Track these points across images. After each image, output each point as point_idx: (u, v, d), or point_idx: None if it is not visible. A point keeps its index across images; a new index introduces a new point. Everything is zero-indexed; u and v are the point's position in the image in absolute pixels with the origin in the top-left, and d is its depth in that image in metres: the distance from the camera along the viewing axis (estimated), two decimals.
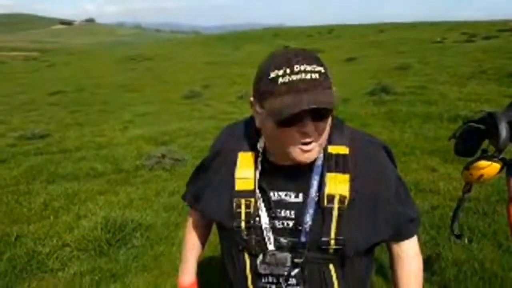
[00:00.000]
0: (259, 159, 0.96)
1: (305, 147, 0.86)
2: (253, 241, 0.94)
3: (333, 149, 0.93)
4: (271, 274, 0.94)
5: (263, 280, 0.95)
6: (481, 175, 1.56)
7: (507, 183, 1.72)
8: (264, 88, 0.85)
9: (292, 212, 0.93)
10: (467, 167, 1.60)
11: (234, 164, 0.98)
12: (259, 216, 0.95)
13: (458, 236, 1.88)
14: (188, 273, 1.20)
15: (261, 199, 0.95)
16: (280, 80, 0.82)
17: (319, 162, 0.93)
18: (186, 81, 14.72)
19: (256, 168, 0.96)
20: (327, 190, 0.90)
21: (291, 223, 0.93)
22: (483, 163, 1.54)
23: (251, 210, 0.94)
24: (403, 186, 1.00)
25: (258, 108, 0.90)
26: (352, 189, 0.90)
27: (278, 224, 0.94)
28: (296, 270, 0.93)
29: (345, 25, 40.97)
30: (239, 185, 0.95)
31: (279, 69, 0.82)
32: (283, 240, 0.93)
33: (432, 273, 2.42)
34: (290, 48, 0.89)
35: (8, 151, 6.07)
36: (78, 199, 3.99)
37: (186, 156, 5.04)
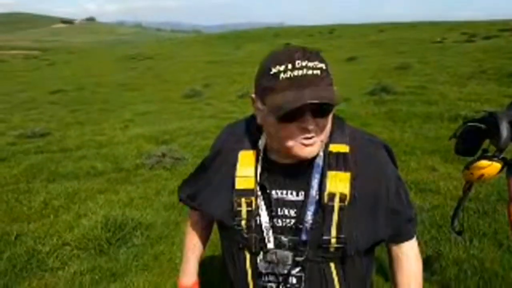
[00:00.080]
0: (260, 157, 0.96)
1: (306, 141, 0.86)
2: (253, 239, 0.94)
3: (333, 148, 0.93)
4: (272, 273, 0.94)
5: (263, 279, 0.95)
6: (482, 175, 1.56)
7: (508, 183, 1.72)
8: (265, 84, 0.85)
9: (293, 210, 0.93)
10: (467, 167, 1.60)
11: (234, 163, 0.97)
12: (259, 214, 0.95)
13: (459, 233, 1.88)
14: (189, 273, 1.20)
15: (262, 198, 0.95)
16: (282, 75, 0.82)
17: (320, 161, 0.93)
18: (187, 80, 14.72)
19: (257, 166, 0.96)
20: (328, 188, 0.90)
21: (292, 222, 0.93)
22: (483, 162, 1.53)
23: (252, 208, 0.94)
24: (403, 186, 1.00)
25: (259, 105, 0.90)
26: (353, 187, 0.90)
27: (278, 222, 0.94)
28: (297, 269, 0.93)
29: (345, 25, 40.96)
30: (239, 184, 0.95)
31: (280, 65, 0.82)
32: (284, 238, 0.93)
33: (433, 273, 2.42)
34: (292, 45, 0.89)
35: (8, 149, 6.07)
36: (78, 198, 3.99)
37: (186, 155, 5.04)
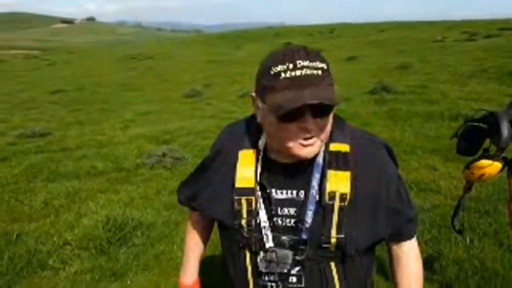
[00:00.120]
0: (260, 157, 0.96)
1: (305, 142, 0.86)
2: (253, 239, 0.94)
3: (334, 147, 0.93)
4: (272, 272, 0.93)
5: (263, 278, 0.95)
6: (483, 174, 1.56)
7: (508, 182, 1.72)
8: (266, 83, 0.85)
9: (293, 209, 0.93)
10: (468, 166, 1.60)
11: (235, 162, 0.97)
12: (259, 214, 0.95)
13: (459, 232, 1.88)
14: (189, 273, 1.20)
15: (261, 197, 0.95)
16: (282, 75, 0.82)
17: (320, 160, 0.93)
18: (187, 80, 14.72)
19: (257, 166, 0.96)
20: (328, 188, 0.90)
21: (292, 221, 0.93)
22: (484, 162, 1.53)
23: (252, 208, 0.94)
24: (404, 185, 1.00)
25: (259, 104, 0.90)
26: (353, 187, 0.90)
27: (279, 221, 0.94)
28: (297, 268, 0.93)
29: (346, 24, 40.93)
30: (240, 183, 0.95)
31: (281, 65, 0.82)
32: (284, 237, 0.93)
33: (433, 272, 2.42)
34: (293, 45, 0.89)
35: (9, 149, 6.07)
36: (78, 197, 4.00)
37: (186, 155, 5.04)
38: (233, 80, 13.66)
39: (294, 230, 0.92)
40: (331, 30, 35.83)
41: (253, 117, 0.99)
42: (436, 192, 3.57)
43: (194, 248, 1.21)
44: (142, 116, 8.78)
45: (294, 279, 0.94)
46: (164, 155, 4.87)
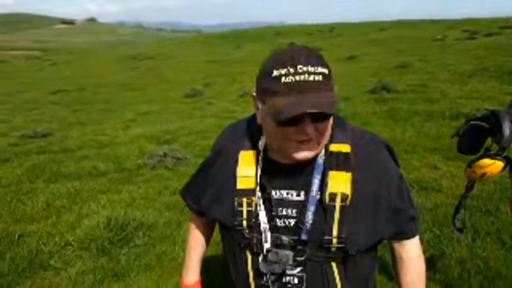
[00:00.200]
0: (261, 157, 0.96)
1: (304, 145, 0.86)
2: (254, 239, 0.94)
3: (335, 147, 0.93)
4: (273, 273, 0.93)
5: (264, 279, 0.95)
6: (484, 173, 1.55)
7: (510, 181, 1.71)
8: (266, 86, 0.85)
9: (294, 210, 0.93)
10: (470, 165, 1.59)
11: (235, 163, 0.97)
12: (259, 214, 0.95)
13: (460, 230, 1.87)
14: (191, 272, 1.20)
15: (261, 198, 0.95)
16: (283, 79, 0.81)
17: (321, 160, 0.92)
18: (187, 80, 14.74)
19: (257, 166, 0.96)
20: (329, 188, 0.90)
21: (292, 222, 0.93)
22: (486, 161, 1.53)
23: (253, 208, 0.94)
24: (405, 184, 1.00)
25: (259, 104, 0.90)
26: (354, 187, 0.90)
27: (279, 222, 0.94)
28: (298, 269, 0.93)
29: (346, 24, 40.91)
30: (240, 184, 0.95)
31: (282, 68, 0.82)
32: (285, 238, 0.93)
33: (436, 272, 2.42)
34: (295, 46, 0.89)
35: (11, 150, 6.08)
36: (80, 198, 4.00)
37: (188, 155, 5.04)
38: (233, 80, 13.67)
39: (295, 230, 0.92)
40: (331, 29, 35.82)
41: (254, 117, 0.99)
42: (437, 191, 3.56)
43: (195, 248, 1.21)
44: (142, 116, 8.79)
45: (296, 280, 0.94)
46: (165, 155, 4.88)
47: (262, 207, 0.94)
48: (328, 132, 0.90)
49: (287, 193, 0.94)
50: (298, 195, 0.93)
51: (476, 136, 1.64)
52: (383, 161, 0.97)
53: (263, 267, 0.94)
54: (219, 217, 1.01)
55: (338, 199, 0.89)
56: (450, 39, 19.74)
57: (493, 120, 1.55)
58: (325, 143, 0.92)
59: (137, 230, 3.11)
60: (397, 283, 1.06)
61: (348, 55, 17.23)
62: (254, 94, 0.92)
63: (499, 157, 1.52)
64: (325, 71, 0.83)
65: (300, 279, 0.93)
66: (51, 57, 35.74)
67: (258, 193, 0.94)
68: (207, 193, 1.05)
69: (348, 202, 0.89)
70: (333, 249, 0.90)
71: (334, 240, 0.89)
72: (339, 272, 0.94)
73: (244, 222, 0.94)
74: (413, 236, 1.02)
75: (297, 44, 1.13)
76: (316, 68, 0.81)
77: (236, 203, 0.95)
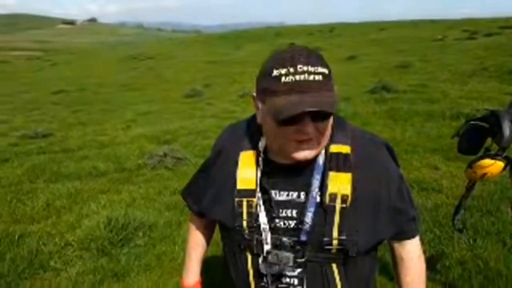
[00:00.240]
0: (261, 158, 0.96)
1: (304, 145, 0.86)
2: (254, 240, 0.94)
3: (335, 148, 0.93)
4: (273, 274, 0.93)
5: (265, 280, 0.95)
6: (485, 174, 1.55)
7: (510, 181, 1.71)
8: (266, 86, 0.85)
9: (294, 211, 0.93)
10: (470, 165, 1.59)
11: (235, 163, 0.97)
12: (259, 216, 0.94)
13: (460, 230, 1.87)
14: (191, 273, 1.20)
15: (262, 199, 0.94)
16: (283, 79, 0.81)
17: (321, 161, 0.92)
18: (188, 80, 14.74)
19: (257, 167, 0.95)
20: (329, 189, 0.89)
21: (293, 223, 0.93)
22: (486, 161, 1.53)
23: (253, 209, 0.94)
24: (405, 185, 1.00)
25: (259, 104, 0.90)
26: (354, 188, 0.90)
27: (280, 223, 0.94)
28: (298, 270, 0.92)
29: (346, 24, 40.91)
30: (241, 185, 0.95)
31: (282, 68, 0.82)
32: (285, 239, 0.93)
33: (436, 272, 2.41)
34: (295, 46, 0.89)
35: (11, 150, 6.09)
36: (80, 198, 4.00)
37: (188, 155, 5.05)
38: (233, 80, 13.67)
39: (295, 231, 0.92)
40: (331, 29, 35.81)
41: (254, 117, 0.99)
42: (437, 191, 3.56)
43: (195, 248, 1.21)
44: (143, 116, 8.80)
45: (296, 281, 0.93)
46: (165, 155, 4.88)
47: (262, 208, 0.94)
48: (328, 132, 0.90)
49: (287, 194, 0.94)
50: (298, 196, 0.93)
51: (476, 136, 1.65)
52: (383, 161, 0.97)
53: (263, 268, 0.93)
54: (219, 218, 1.01)
55: (338, 200, 0.89)
56: (450, 39, 19.74)
57: (493, 120, 1.55)
58: (325, 143, 0.91)
59: (137, 230, 3.11)
60: (397, 283, 1.06)
61: (348, 55, 17.23)
62: (254, 94, 0.92)
63: (499, 157, 1.52)
64: (325, 71, 0.83)
65: (300, 281, 0.93)
66: (51, 58, 35.76)
67: (259, 194, 0.94)
68: (208, 193, 1.05)
69: (348, 203, 0.89)
70: (333, 250, 0.90)
71: (334, 242, 0.89)
72: (339, 273, 0.93)
73: (244, 223, 0.94)
74: (413, 236, 1.02)
75: (297, 44, 1.13)
76: (316, 68, 0.82)
77: (236, 204, 0.95)
